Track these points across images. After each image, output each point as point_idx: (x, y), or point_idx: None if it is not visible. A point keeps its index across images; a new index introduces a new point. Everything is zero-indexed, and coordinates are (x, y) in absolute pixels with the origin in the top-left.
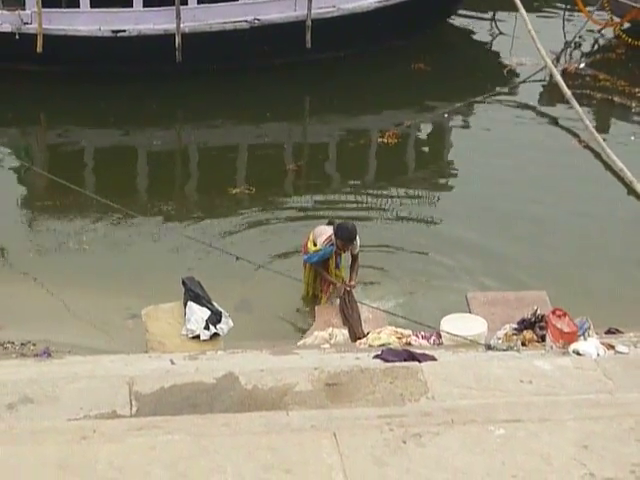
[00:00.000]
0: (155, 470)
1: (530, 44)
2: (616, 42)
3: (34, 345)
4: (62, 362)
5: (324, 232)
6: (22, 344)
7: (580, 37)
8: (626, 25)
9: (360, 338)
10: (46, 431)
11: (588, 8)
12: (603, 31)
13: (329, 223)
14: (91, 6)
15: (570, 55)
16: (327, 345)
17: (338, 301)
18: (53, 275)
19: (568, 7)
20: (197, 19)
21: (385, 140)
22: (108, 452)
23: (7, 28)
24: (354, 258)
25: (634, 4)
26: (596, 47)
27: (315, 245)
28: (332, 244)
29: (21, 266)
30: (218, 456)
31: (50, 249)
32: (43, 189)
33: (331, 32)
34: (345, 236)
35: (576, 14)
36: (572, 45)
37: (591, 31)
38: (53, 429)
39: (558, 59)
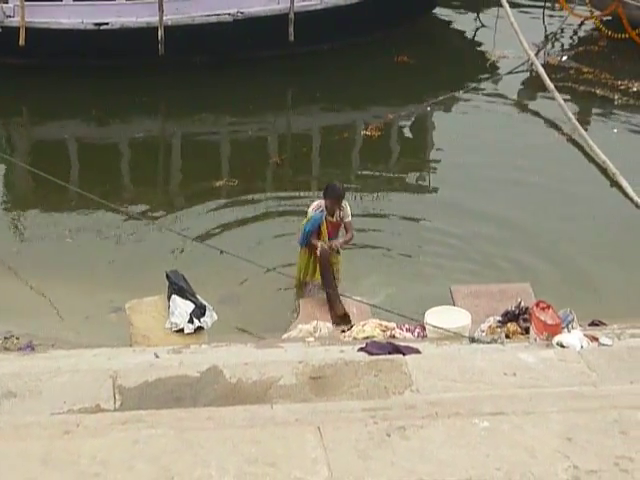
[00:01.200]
0: (139, 464)
1: (513, 37)
2: (597, 35)
3: (17, 339)
4: (45, 356)
5: (313, 202)
6: (5, 338)
7: (562, 30)
8: (606, 18)
9: (340, 315)
10: (29, 426)
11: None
12: (583, 24)
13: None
14: None
15: (552, 48)
16: (311, 338)
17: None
18: (36, 269)
19: (548, 1)
20: (180, 12)
21: (369, 133)
22: (92, 446)
23: None
24: (347, 228)
25: None
26: (577, 40)
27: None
28: (321, 210)
29: (3, 260)
30: (202, 450)
31: (33, 243)
32: (25, 182)
33: (314, 25)
34: (333, 194)
35: (556, 7)
36: (554, 38)
37: (572, 24)
38: (36, 424)
39: (540, 52)
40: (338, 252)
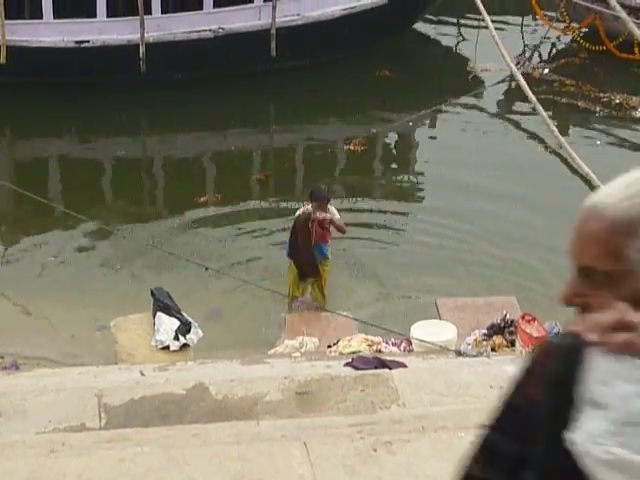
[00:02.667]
0: None
1: (494, 50)
2: (577, 47)
3: (2, 358)
4: (30, 375)
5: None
6: None
7: (541, 43)
8: (584, 30)
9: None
10: (15, 445)
11: (546, 14)
12: (561, 37)
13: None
14: (54, 17)
15: (533, 60)
16: (298, 354)
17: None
18: (20, 287)
19: (525, 14)
20: (161, 29)
21: (352, 148)
22: (77, 465)
23: None
24: (337, 226)
25: (591, 9)
26: (558, 52)
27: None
28: (307, 214)
29: None
30: (188, 467)
31: (17, 261)
32: (9, 201)
33: (296, 40)
34: (318, 197)
35: (533, 21)
36: (535, 50)
37: (550, 37)
38: (22, 443)
39: (521, 64)
40: (327, 258)
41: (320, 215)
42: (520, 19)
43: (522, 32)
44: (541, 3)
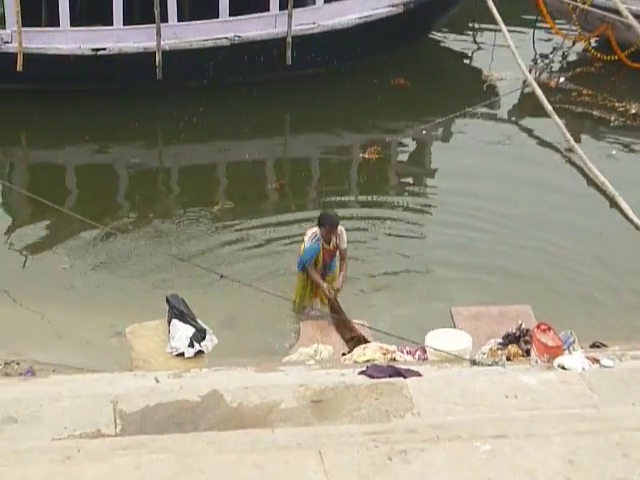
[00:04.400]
0: None
1: (510, 59)
2: (591, 56)
3: (18, 364)
4: (46, 381)
5: (308, 231)
6: (6, 363)
7: (552, 51)
8: (595, 40)
9: (355, 337)
10: (30, 451)
11: (557, 23)
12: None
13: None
14: (71, 25)
15: (548, 70)
16: (312, 362)
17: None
18: (37, 294)
19: (538, 23)
20: (177, 36)
21: (367, 156)
22: (93, 472)
23: None
24: (342, 256)
25: (603, 18)
26: (573, 61)
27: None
28: (317, 239)
29: (3, 285)
30: (203, 475)
31: (33, 267)
32: (24, 208)
33: (312, 48)
34: (328, 221)
35: (545, 31)
36: (550, 60)
37: (562, 47)
38: (37, 449)
39: (537, 74)
40: (333, 271)
41: (329, 293)
42: (532, 28)
43: (533, 41)
44: (553, 13)
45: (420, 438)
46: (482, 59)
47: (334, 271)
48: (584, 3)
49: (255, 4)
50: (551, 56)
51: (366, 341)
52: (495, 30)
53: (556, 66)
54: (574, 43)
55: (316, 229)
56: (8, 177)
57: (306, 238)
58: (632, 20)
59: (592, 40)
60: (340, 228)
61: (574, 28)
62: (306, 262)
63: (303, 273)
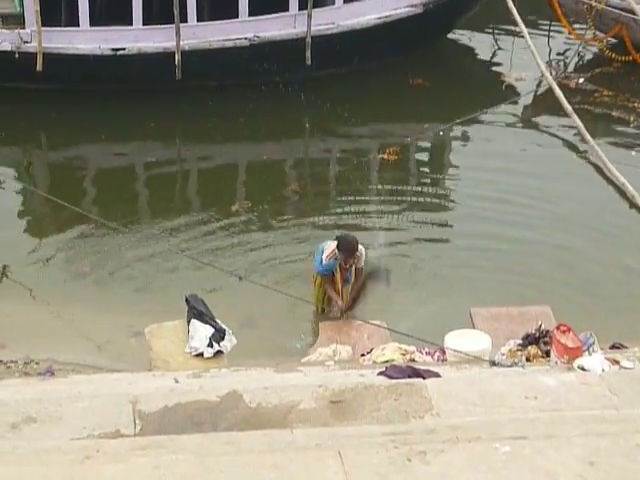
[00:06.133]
0: None
1: (529, 59)
2: (615, 56)
3: (37, 364)
4: (65, 381)
5: (329, 247)
6: (25, 363)
7: (566, 51)
8: (610, 40)
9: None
10: (50, 451)
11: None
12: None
13: (335, 239)
14: (91, 24)
15: (566, 70)
16: (331, 362)
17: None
18: (56, 293)
19: (552, 24)
20: (197, 36)
21: (385, 157)
22: (112, 472)
23: (7, 47)
24: (357, 273)
25: (618, 19)
26: (592, 62)
27: (322, 259)
28: (335, 258)
29: (23, 284)
30: (222, 475)
31: (53, 267)
32: (43, 208)
33: (331, 49)
34: (346, 248)
35: (559, 31)
36: (565, 60)
37: (577, 47)
38: (57, 449)
39: (558, 74)
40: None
41: (339, 307)
42: (547, 29)
43: (548, 42)
44: (567, 13)
45: (439, 439)
46: (501, 59)
47: (352, 281)
48: (599, 3)
49: (274, 4)
50: (568, 57)
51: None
52: (514, 30)
53: (573, 67)
54: (589, 44)
55: (334, 247)
56: (28, 179)
57: (324, 254)
58: None
59: (606, 41)
60: (360, 249)
61: (585, 27)
62: (321, 273)
63: (317, 276)
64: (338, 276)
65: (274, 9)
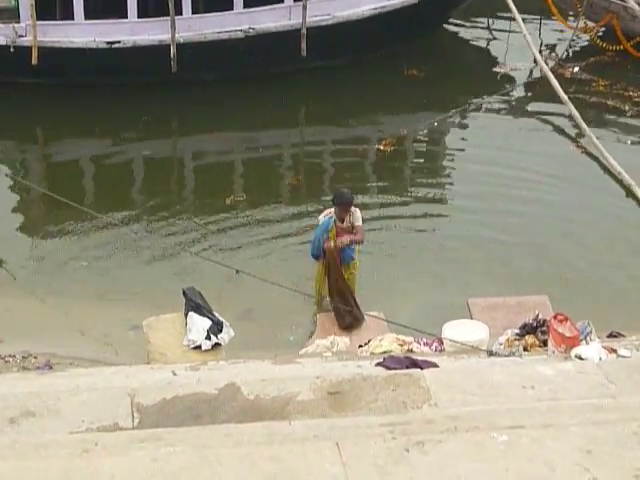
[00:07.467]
0: None
1: (524, 49)
2: (606, 45)
3: (35, 358)
4: (64, 375)
5: (324, 211)
6: (23, 357)
7: (557, 43)
8: (601, 30)
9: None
10: (48, 445)
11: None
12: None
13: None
14: (85, 18)
15: (561, 59)
16: (329, 353)
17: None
18: (53, 288)
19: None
20: (192, 29)
21: (382, 148)
22: (110, 465)
23: (2, 41)
24: (356, 232)
25: (608, 8)
26: (587, 51)
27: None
28: (331, 216)
29: (21, 279)
30: (221, 467)
31: (50, 262)
32: (40, 203)
33: (326, 40)
34: (341, 200)
35: (550, 20)
36: (559, 50)
37: (567, 37)
38: (55, 443)
39: (554, 63)
40: (353, 259)
41: (339, 242)
42: (538, 18)
43: (540, 31)
44: (558, 3)
45: (437, 429)
46: (496, 49)
47: (353, 259)
48: None
49: None
50: (562, 46)
51: (355, 318)
52: (509, 20)
53: (567, 56)
54: (580, 33)
55: (331, 209)
56: (24, 173)
57: (320, 216)
58: (637, 9)
59: (597, 30)
60: (353, 207)
61: (579, 18)
62: (318, 237)
63: (319, 263)
64: (333, 234)
65: (269, 1)
